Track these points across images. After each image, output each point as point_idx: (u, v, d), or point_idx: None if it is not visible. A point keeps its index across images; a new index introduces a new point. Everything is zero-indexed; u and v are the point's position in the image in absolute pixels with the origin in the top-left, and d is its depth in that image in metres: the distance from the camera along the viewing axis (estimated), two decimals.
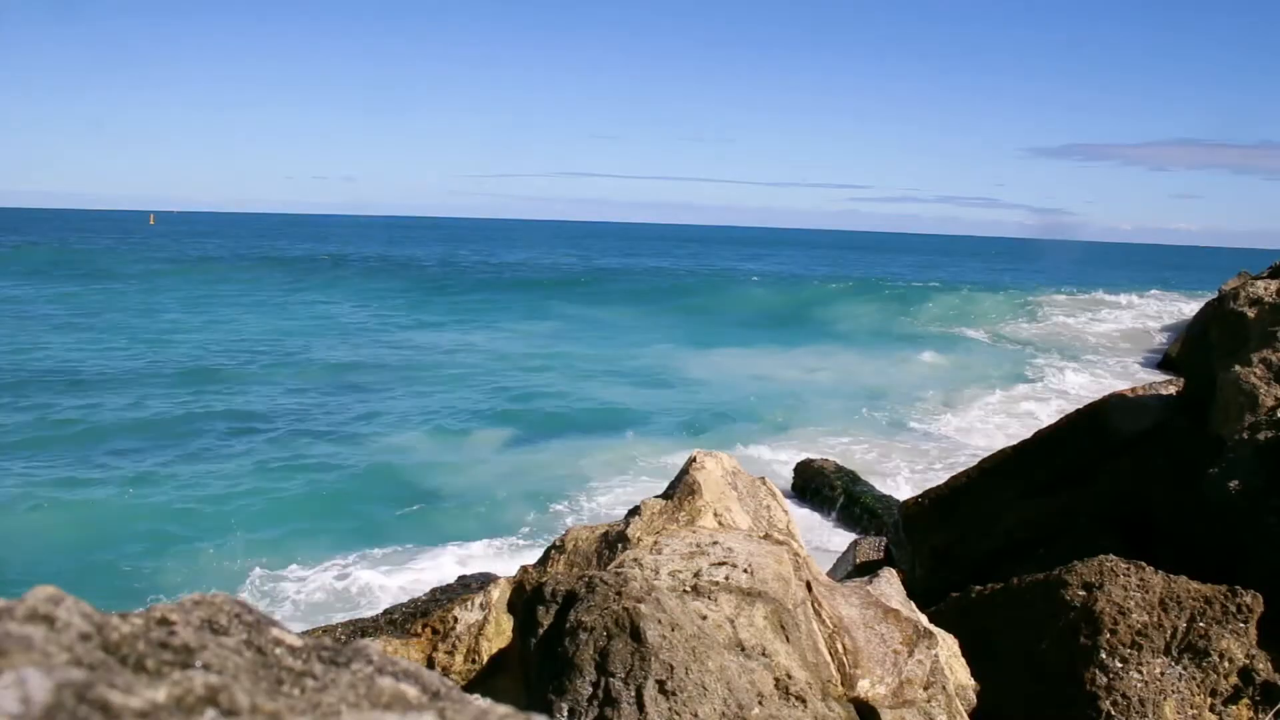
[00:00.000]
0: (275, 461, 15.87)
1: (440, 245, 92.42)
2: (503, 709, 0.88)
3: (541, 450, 17.02)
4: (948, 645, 4.12)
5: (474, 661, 4.09)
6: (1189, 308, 36.83)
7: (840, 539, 13.13)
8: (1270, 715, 4.19)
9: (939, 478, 9.99)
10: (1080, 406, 7.71)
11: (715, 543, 3.56)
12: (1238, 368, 5.96)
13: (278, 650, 0.90)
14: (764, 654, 3.05)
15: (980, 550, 6.88)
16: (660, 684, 2.66)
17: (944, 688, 3.55)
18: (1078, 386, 24.36)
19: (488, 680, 3.96)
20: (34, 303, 36.03)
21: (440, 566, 11.29)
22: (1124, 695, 4.22)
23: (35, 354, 24.92)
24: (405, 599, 6.36)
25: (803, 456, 15.74)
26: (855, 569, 9.18)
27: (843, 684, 3.38)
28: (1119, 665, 4.29)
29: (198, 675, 0.76)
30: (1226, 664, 4.27)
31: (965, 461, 11.56)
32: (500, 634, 4.12)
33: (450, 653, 4.10)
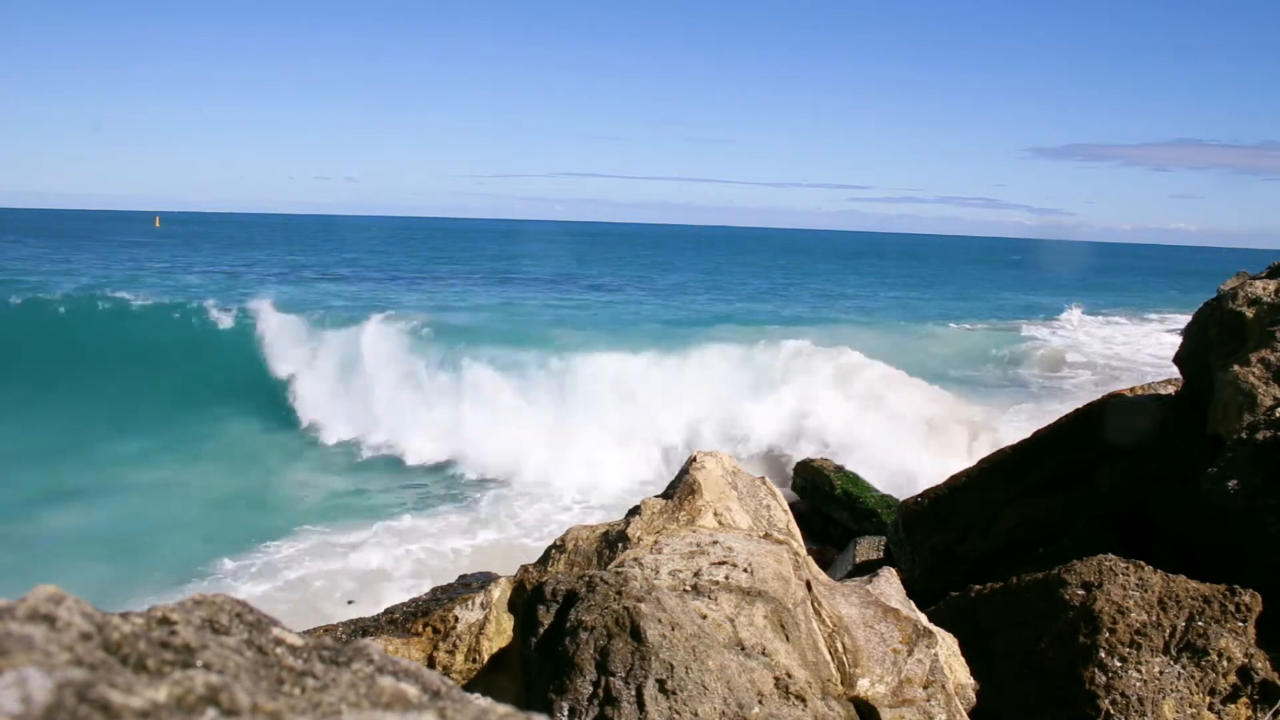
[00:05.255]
0: None
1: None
2: (503, 708, 0.88)
3: None
4: (947, 644, 4.13)
5: (475, 661, 4.09)
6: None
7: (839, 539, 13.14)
8: (1269, 714, 4.20)
9: None
10: (1079, 406, 7.72)
11: (715, 542, 3.56)
12: (1236, 367, 5.97)
13: (278, 650, 0.90)
14: (764, 653, 3.05)
15: (980, 550, 6.88)
16: (660, 683, 2.66)
17: (943, 687, 3.56)
18: None
19: (488, 679, 3.96)
20: None
21: None
22: (1123, 694, 4.22)
23: None
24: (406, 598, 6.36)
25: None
26: (855, 568, 9.20)
27: (842, 683, 3.38)
28: (1118, 664, 4.29)
29: (198, 675, 0.77)
30: (1225, 663, 4.27)
31: None
32: (501, 633, 4.13)
33: (451, 652, 4.10)
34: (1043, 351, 31.71)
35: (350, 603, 11.47)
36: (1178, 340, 7.10)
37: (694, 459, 4.64)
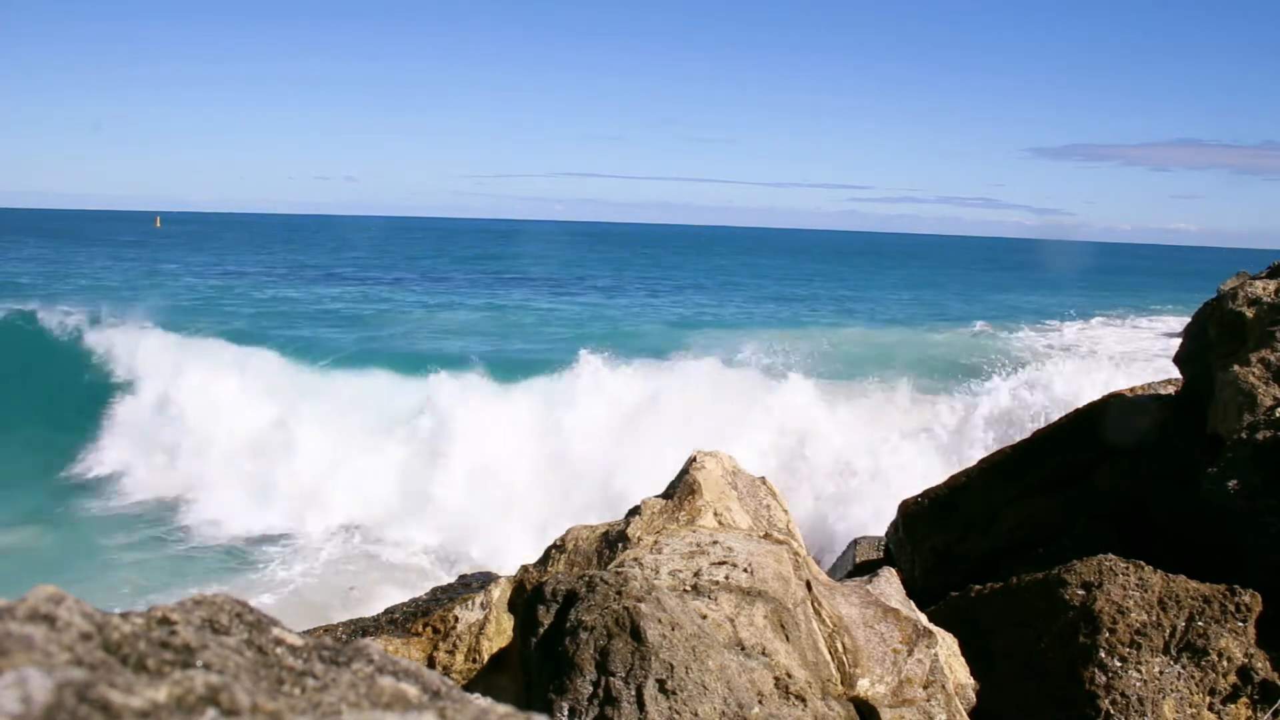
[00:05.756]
0: None
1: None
2: (503, 708, 0.88)
3: None
4: (947, 644, 4.12)
5: (475, 661, 4.09)
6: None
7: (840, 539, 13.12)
8: (1269, 714, 4.20)
9: None
10: (1078, 407, 7.71)
11: (715, 542, 3.56)
12: (1236, 367, 5.97)
13: (279, 650, 0.90)
14: (764, 653, 3.05)
15: (980, 550, 6.88)
16: (660, 683, 2.66)
17: (943, 686, 3.56)
18: None
19: (488, 679, 3.96)
20: None
21: None
22: (1123, 694, 4.22)
23: None
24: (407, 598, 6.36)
25: None
26: (855, 568, 9.19)
27: (842, 683, 3.38)
28: (1118, 664, 4.29)
29: (198, 675, 0.77)
30: (1225, 663, 4.27)
31: None
32: (501, 633, 4.13)
33: (451, 652, 4.10)
34: (1040, 351, 31.59)
35: (352, 589, 11.42)
36: (1178, 340, 7.10)
37: (694, 459, 4.63)
